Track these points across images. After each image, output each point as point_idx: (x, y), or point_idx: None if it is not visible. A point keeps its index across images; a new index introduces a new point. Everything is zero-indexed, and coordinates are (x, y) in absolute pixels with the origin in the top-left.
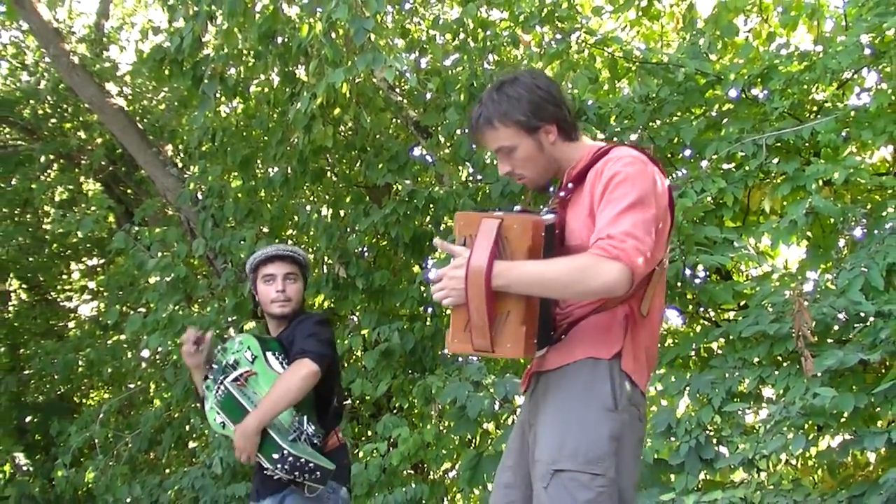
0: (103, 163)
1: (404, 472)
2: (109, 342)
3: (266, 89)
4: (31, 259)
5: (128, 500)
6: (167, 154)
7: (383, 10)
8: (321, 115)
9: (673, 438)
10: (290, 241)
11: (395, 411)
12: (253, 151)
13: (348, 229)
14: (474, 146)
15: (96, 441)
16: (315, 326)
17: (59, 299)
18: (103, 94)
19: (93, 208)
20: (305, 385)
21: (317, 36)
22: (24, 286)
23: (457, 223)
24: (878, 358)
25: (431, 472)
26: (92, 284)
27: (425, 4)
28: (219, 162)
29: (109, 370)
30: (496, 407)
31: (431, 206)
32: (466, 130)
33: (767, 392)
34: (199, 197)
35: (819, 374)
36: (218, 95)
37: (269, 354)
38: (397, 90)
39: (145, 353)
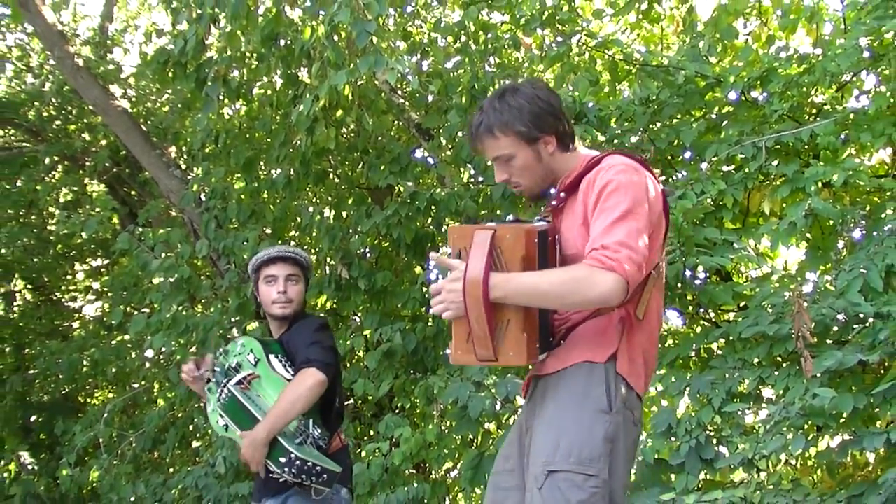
0: (107, 164)
1: (406, 471)
2: (114, 342)
3: (269, 91)
4: (35, 260)
5: (132, 499)
6: (171, 156)
7: (385, 13)
8: (324, 118)
9: (673, 438)
10: (292, 243)
11: (397, 411)
12: (256, 153)
13: (350, 230)
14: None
15: (101, 440)
16: (316, 333)
17: (63, 300)
18: (107, 96)
19: (97, 209)
20: (313, 395)
21: (319, 38)
22: (29, 286)
23: (450, 237)
24: (877, 359)
25: (433, 472)
26: (96, 285)
27: (427, 7)
28: (222, 163)
29: (114, 370)
30: (497, 407)
31: (433, 207)
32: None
33: (767, 392)
34: (203, 198)
35: (818, 375)
36: (221, 97)
37: (271, 357)
38: (399, 92)
39: (149, 354)
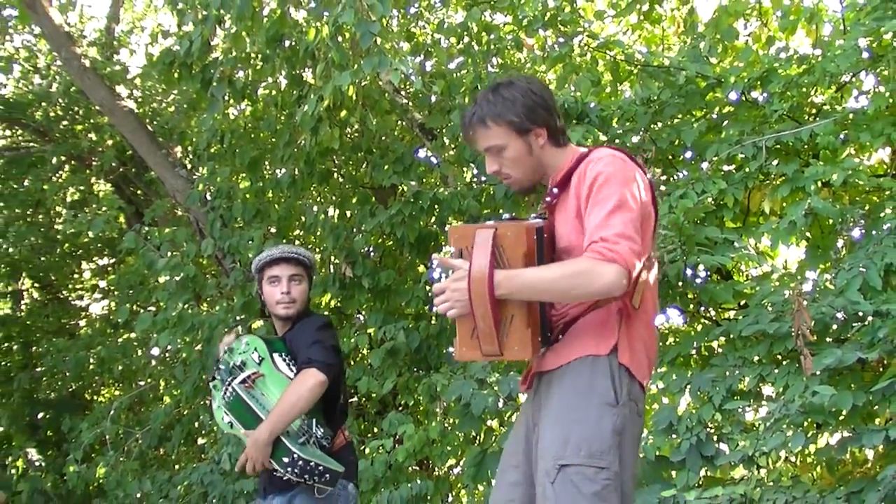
0: (114, 164)
1: (409, 468)
2: (120, 340)
3: (274, 92)
4: (43, 259)
5: (138, 495)
6: (176, 156)
7: (389, 14)
8: (328, 118)
9: (674, 435)
10: (297, 242)
11: (400, 409)
12: (261, 153)
13: (354, 230)
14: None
15: (107, 437)
16: (318, 332)
17: (70, 298)
18: (114, 96)
19: (104, 209)
20: (313, 396)
21: (323, 39)
22: (36, 285)
23: (451, 237)
24: (876, 356)
25: (436, 469)
26: (103, 283)
27: (430, 8)
28: (227, 163)
29: (120, 368)
30: (500, 404)
31: (436, 206)
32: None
33: (767, 390)
34: (208, 198)
35: (818, 373)
36: (226, 98)
37: (275, 356)
38: (403, 93)
39: (155, 351)
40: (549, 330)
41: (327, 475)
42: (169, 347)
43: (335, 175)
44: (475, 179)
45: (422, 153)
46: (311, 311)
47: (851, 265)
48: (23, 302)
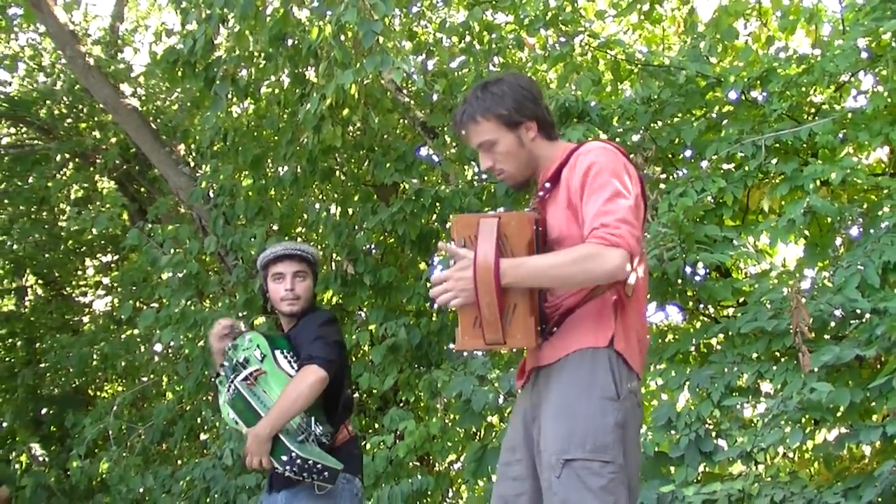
0: (117, 162)
1: (410, 463)
2: (123, 336)
3: (276, 90)
4: (47, 255)
5: (141, 490)
6: (180, 153)
7: (391, 14)
8: (330, 116)
9: (673, 432)
10: (299, 239)
11: (401, 405)
12: (264, 151)
13: (356, 227)
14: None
15: (110, 433)
16: (321, 328)
17: (74, 295)
18: (118, 94)
19: (107, 206)
20: (313, 392)
21: (326, 38)
22: (40, 282)
23: (454, 227)
24: (873, 354)
25: (437, 464)
26: (106, 280)
27: (432, 8)
28: (230, 161)
29: (123, 364)
30: (500, 400)
31: (437, 204)
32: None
33: (765, 387)
34: (211, 195)
35: (816, 370)
36: (229, 96)
37: (277, 353)
38: (405, 91)
39: (158, 348)
40: (545, 321)
41: (326, 473)
42: (172, 344)
43: (337, 173)
44: (476, 177)
45: (423, 151)
46: (316, 308)
47: (849, 263)
48: (27, 298)
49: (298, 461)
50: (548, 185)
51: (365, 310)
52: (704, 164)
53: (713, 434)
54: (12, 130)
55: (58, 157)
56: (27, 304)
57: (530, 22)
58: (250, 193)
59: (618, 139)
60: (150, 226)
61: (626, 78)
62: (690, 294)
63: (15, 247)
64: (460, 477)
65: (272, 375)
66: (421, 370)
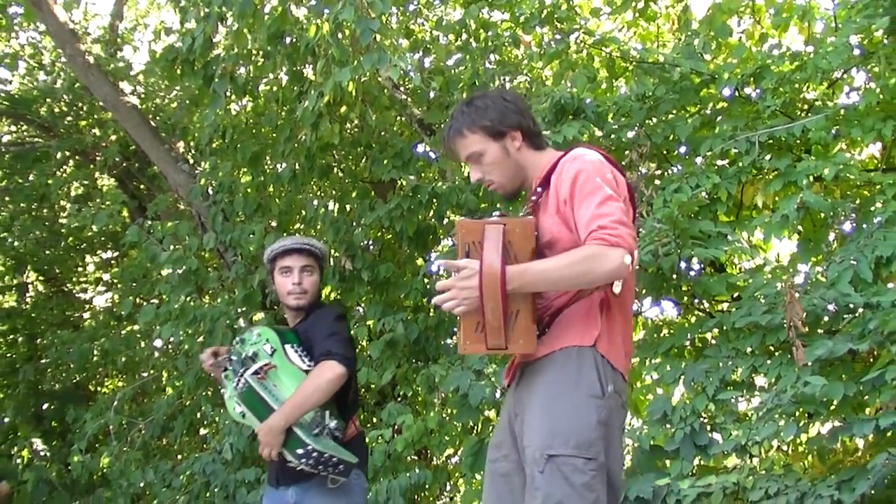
0: (117, 159)
1: (408, 457)
2: (123, 332)
3: (275, 88)
4: (47, 252)
5: (141, 484)
6: (179, 151)
7: (388, 12)
8: (328, 113)
9: (668, 425)
10: (297, 235)
11: (399, 399)
12: (262, 148)
13: (354, 223)
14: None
15: (111, 428)
16: (334, 324)
17: (74, 291)
18: (117, 92)
19: (107, 203)
20: (332, 388)
21: (324, 36)
22: (41, 278)
23: (458, 231)
24: (866, 347)
25: (434, 458)
26: (106, 276)
27: (429, 6)
28: (229, 158)
29: (123, 359)
30: (497, 395)
31: (434, 201)
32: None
33: (760, 381)
34: (210, 192)
35: (810, 364)
36: (228, 94)
37: (287, 347)
38: (402, 89)
39: (158, 343)
40: (538, 323)
41: (341, 466)
42: (171, 339)
43: (335, 170)
44: None
45: (420, 148)
46: (323, 303)
47: (842, 258)
48: (28, 295)
49: (315, 454)
50: (539, 190)
51: (363, 305)
52: (699, 160)
53: (708, 428)
54: (13, 128)
55: (58, 155)
56: (28, 300)
57: (526, 20)
58: (249, 190)
59: (613, 136)
60: (149, 222)
61: (621, 75)
62: (685, 289)
63: (16, 244)
64: (458, 471)
65: (283, 369)
66: (418, 365)
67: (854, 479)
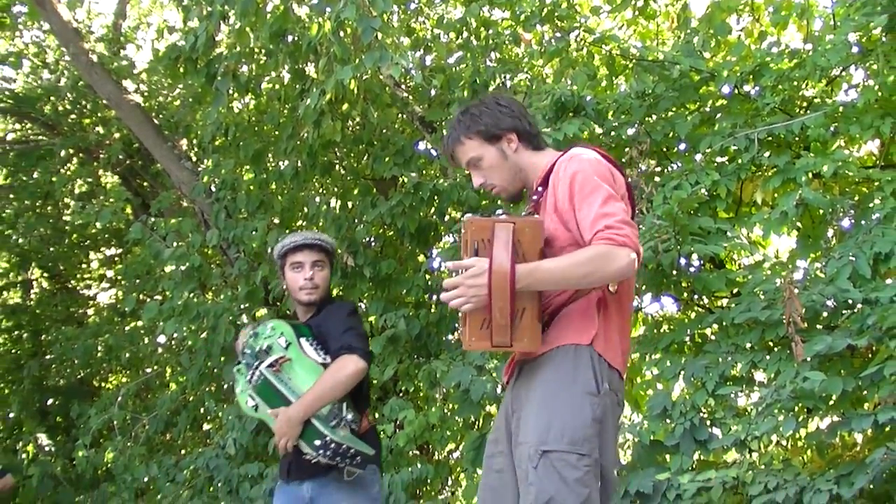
0: (121, 157)
1: (410, 452)
2: (127, 328)
3: (277, 86)
4: (51, 249)
5: (145, 479)
6: (182, 148)
7: (389, 10)
8: (330, 111)
9: (668, 420)
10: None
11: (401, 394)
12: (264, 146)
13: (356, 220)
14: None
15: (115, 423)
16: (350, 319)
17: (78, 287)
18: (121, 91)
19: (111, 200)
20: (351, 382)
21: (326, 35)
22: (45, 275)
23: (467, 229)
24: (865, 343)
25: (436, 453)
26: (110, 273)
27: (430, 4)
28: (231, 156)
29: (127, 355)
30: (499, 390)
31: (436, 198)
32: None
33: (759, 376)
34: (213, 189)
35: (809, 359)
36: (231, 92)
37: (303, 341)
38: (403, 87)
39: (161, 339)
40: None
41: (358, 457)
42: (175, 335)
43: (337, 167)
44: None
45: (422, 145)
46: (334, 298)
47: (841, 254)
48: (32, 291)
49: (333, 445)
50: (540, 189)
51: (365, 301)
52: (698, 157)
53: (708, 423)
54: (17, 126)
55: (62, 153)
56: (33, 296)
57: (526, 18)
58: (251, 187)
59: (613, 133)
60: (153, 220)
61: (621, 73)
62: (685, 285)
63: (20, 241)
64: (459, 465)
65: (298, 362)
66: (420, 360)
67: (853, 473)
